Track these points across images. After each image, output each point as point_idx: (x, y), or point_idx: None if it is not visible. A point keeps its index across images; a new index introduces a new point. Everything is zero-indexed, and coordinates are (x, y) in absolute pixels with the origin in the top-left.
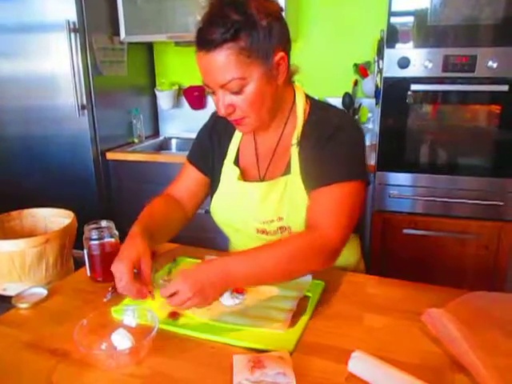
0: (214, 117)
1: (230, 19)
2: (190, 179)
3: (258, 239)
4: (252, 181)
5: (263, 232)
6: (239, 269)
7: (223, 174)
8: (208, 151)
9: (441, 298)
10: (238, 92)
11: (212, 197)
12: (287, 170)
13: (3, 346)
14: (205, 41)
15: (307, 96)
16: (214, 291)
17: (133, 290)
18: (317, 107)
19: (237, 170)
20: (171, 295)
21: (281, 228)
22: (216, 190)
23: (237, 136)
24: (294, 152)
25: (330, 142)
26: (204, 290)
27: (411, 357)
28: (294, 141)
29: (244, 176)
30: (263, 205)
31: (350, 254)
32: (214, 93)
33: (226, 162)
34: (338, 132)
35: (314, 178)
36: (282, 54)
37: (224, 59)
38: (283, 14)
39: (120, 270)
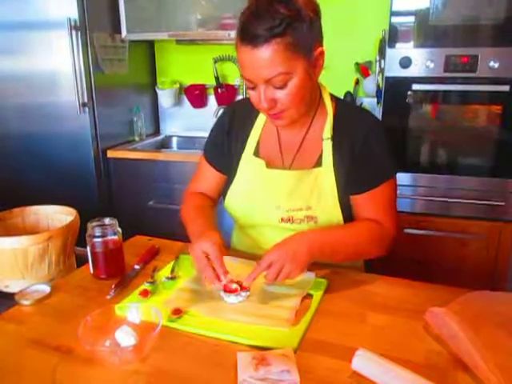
0: (229, 114)
1: (279, 14)
2: (209, 179)
3: (280, 229)
4: (279, 168)
5: (288, 220)
6: (319, 236)
7: (241, 167)
8: (223, 148)
9: (443, 297)
10: (282, 86)
11: (226, 191)
12: (318, 163)
13: (6, 342)
14: (251, 35)
15: (331, 94)
16: (303, 256)
17: (213, 272)
18: (343, 105)
19: (261, 160)
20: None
21: (308, 217)
22: (231, 183)
23: (256, 129)
24: (327, 146)
25: (370, 142)
26: (296, 255)
27: (414, 355)
28: (327, 135)
29: (269, 166)
30: (292, 193)
31: None
32: (253, 88)
33: (244, 155)
34: (374, 131)
35: (364, 179)
36: (321, 48)
37: (271, 54)
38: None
39: (210, 249)
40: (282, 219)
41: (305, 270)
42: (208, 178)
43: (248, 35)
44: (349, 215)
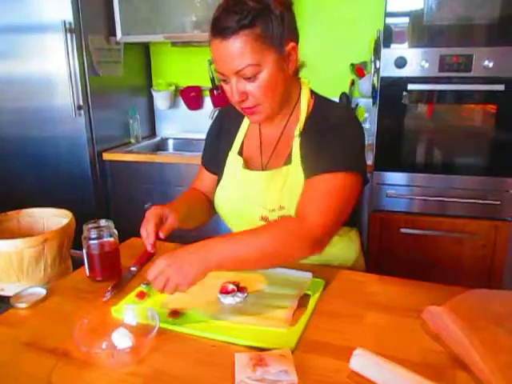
0: (222, 114)
1: (246, 6)
2: (206, 181)
3: None
4: (255, 169)
5: (266, 220)
6: (218, 246)
7: (227, 165)
8: (215, 149)
9: (440, 295)
10: (252, 79)
11: (216, 188)
12: (288, 161)
13: (2, 346)
14: (221, 28)
15: (312, 92)
16: (192, 267)
17: (150, 236)
18: (321, 103)
19: (240, 160)
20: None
21: (282, 217)
22: (220, 181)
23: (243, 128)
24: (296, 143)
25: (329, 133)
26: (183, 266)
27: (412, 354)
28: (297, 132)
29: (247, 165)
30: (266, 193)
31: (349, 249)
32: (226, 81)
33: (230, 153)
34: (338, 125)
35: (310, 167)
36: (293, 43)
37: (240, 45)
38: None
39: (150, 216)
40: (262, 218)
41: (194, 283)
42: (205, 180)
43: (218, 28)
44: None
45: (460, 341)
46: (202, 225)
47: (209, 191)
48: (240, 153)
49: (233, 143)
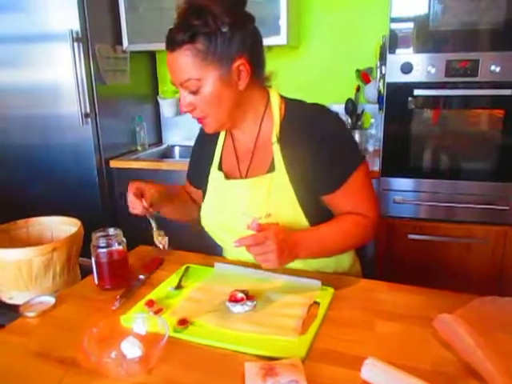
0: (202, 130)
1: (188, 23)
2: (191, 189)
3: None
4: (235, 178)
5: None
6: (307, 239)
7: (210, 182)
8: (200, 164)
9: (451, 303)
10: (195, 92)
11: (201, 206)
12: (271, 168)
13: (11, 355)
14: (169, 41)
15: (282, 96)
16: (288, 257)
17: (134, 203)
18: (292, 104)
19: (221, 174)
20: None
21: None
22: (204, 198)
23: (220, 142)
24: (276, 150)
25: (325, 138)
26: (284, 250)
27: (423, 363)
28: (274, 139)
29: (228, 177)
30: (249, 201)
31: (343, 257)
32: (178, 92)
33: (211, 169)
34: (327, 128)
35: (331, 179)
36: (242, 61)
37: (182, 59)
38: (253, 24)
39: (132, 185)
40: (248, 227)
41: (283, 264)
42: (190, 188)
43: (167, 41)
44: (313, 216)
45: (472, 349)
46: (187, 221)
47: (194, 197)
48: (220, 167)
49: (213, 159)
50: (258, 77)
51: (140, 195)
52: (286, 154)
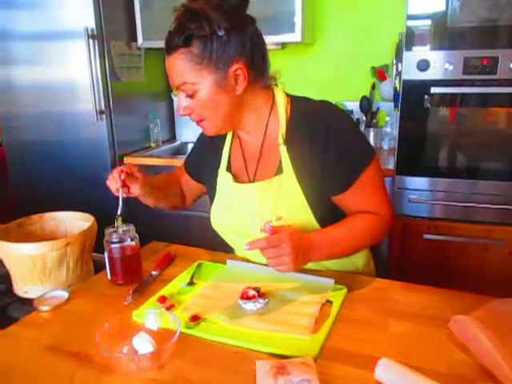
0: None
1: (184, 27)
2: (182, 178)
3: None
4: (244, 183)
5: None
6: (320, 241)
7: (219, 184)
8: (203, 159)
9: (466, 304)
10: (192, 96)
11: (211, 207)
12: (279, 170)
13: (25, 348)
14: (166, 45)
15: (287, 95)
16: (302, 262)
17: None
18: (297, 102)
19: (229, 176)
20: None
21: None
22: (213, 199)
23: (227, 144)
24: (283, 151)
25: (331, 136)
26: (299, 253)
27: (438, 365)
28: (280, 140)
29: (237, 180)
30: (260, 205)
31: (357, 256)
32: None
33: (219, 171)
34: (331, 126)
35: (341, 179)
36: (239, 65)
37: (177, 63)
38: (254, 27)
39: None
40: (261, 229)
41: (298, 267)
42: (183, 179)
43: (165, 44)
44: (324, 217)
45: (489, 352)
46: (174, 208)
47: (183, 186)
48: (228, 168)
49: (220, 159)
50: (261, 78)
51: (126, 176)
52: (294, 155)
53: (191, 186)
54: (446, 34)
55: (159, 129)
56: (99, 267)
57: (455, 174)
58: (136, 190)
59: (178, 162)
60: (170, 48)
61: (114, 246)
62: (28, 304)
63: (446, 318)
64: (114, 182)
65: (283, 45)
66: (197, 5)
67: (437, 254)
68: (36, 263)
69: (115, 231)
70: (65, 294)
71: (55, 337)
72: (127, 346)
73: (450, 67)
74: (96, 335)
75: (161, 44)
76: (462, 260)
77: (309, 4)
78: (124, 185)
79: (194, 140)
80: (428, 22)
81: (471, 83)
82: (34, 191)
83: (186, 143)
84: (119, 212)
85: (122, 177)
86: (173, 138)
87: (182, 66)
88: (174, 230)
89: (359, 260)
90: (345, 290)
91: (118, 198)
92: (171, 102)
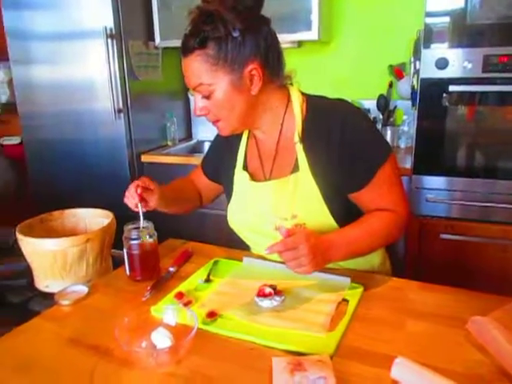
0: None
1: (199, 29)
2: (200, 179)
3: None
4: (260, 181)
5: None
6: (337, 242)
7: (235, 182)
8: (219, 159)
9: (485, 305)
10: (208, 97)
11: (227, 206)
12: (295, 168)
13: (46, 341)
14: (182, 47)
15: (303, 93)
16: (322, 259)
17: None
18: (313, 101)
19: (246, 174)
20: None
21: (296, 225)
22: (230, 197)
23: (243, 143)
24: (299, 149)
25: (348, 133)
26: (316, 254)
27: (455, 365)
28: (296, 138)
29: (253, 178)
30: (275, 203)
31: (373, 255)
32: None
33: (236, 170)
34: (346, 124)
35: (357, 177)
36: (254, 65)
37: (193, 64)
38: (268, 27)
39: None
40: (276, 228)
41: (318, 269)
42: (200, 179)
43: (181, 46)
44: (340, 215)
45: (507, 353)
46: (186, 212)
47: (200, 186)
48: (245, 167)
49: (236, 159)
50: (276, 78)
51: (142, 190)
52: (310, 153)
53: (208, 185)
54: (464, 31)
55: (176, 127)
56: (118, 263)
57: (473, 174)
58: (153, 202)
59: (195, 160)
60: (186, 50)
61: (132, 242)
62: (49, 298)
63: (464, 318)
64: (131, 199)
65: (299, 43)
66: (211, 6)
67: (454, 254)
68: (57, 258)
69: (134, 228)
70: (85, 289)
71: (75, 330)
72: (146, 341)
73: (469, 65)
74: (115, 329)
75: (178, 43)
76: (479, 261)
77: (326, 2)
78: (141, 199)
79: (211, 138)
80: (447, 19)
81: (491, 81)
82: (53, 189)
83: (203, 141)
84: (141, 225)
85: (139, 191)
86: (189, 136)
87: (198, 68)
88: (191, 227)
89: (375, 259)
90: (361, 289)
91: (137, 212)
92: (188, 100)
